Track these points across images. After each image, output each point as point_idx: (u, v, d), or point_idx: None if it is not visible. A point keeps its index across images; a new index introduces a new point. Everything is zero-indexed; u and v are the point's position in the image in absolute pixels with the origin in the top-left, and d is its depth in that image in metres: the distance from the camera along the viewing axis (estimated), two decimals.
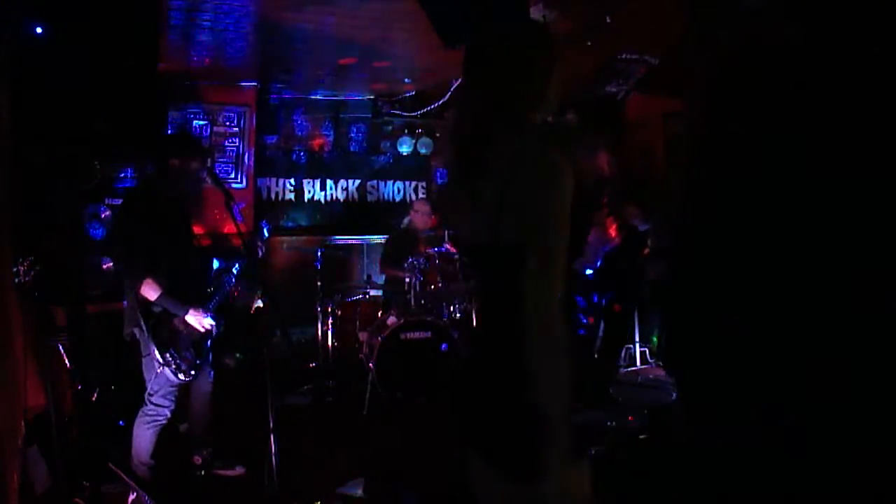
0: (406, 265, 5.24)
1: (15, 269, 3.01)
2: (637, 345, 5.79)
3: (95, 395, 4.16)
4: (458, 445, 1.46)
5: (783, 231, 0.80)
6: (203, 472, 3.66)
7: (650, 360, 5.79)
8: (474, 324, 5.43)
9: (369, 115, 6.97)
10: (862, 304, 0.74)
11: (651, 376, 5.39)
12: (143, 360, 3.35)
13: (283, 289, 6.34)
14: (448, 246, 5.48)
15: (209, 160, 5.85)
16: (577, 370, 1.55)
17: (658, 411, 4.28)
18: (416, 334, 4.98)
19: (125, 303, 3.42)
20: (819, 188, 0.77)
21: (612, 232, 4.93)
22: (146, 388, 3.36)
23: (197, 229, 4.09)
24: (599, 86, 5.65)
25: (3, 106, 2.89)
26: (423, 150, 7.14)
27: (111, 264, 4.67)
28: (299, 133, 6.87)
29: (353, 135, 7.09)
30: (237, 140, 6.31)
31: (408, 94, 6.72)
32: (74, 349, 3.81)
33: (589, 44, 4.74)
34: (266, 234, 3.91)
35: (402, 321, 4.98)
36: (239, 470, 3.69)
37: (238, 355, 5.38)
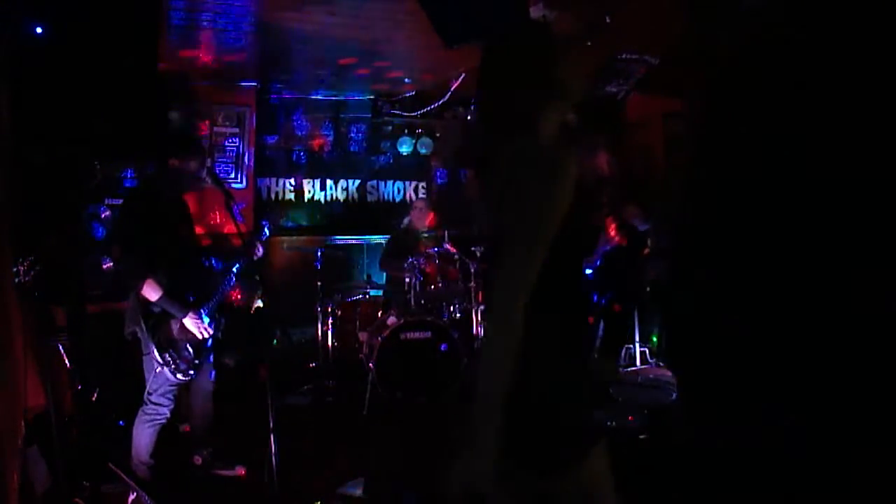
0: (406, 265, 5.24)
1: (15, 269, 3.00)
2: (637, 345, 5.79)
3: (95, 395, 4.16)
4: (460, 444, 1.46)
5: (783, 231, 0.80)
6: (203, 472, 3.66)
7: (650, 360, 5.79)
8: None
9: (369, 115, 6.97)
10: (862, 304, 0.74)
11: (651, 376, 5.39)
12: (144, 359, 3.35)
13: (283, 289, 6.33)
14: (448, 246, 5.48)
15: (209, 160, 5.86)
16: (583, 367, 1.55)
17: (658, 411, 4.28)
18: (416, 334, 4.97)
19: (129, 302, 3.43)
20: (820, 188, 0.77)
21: (612, 232, 4.93)
22: (146, 388, 3.37)
23: (197, 229, 4.09)
24: (599, 86, 5.65)
25: (3, 106, 2.89)
26: (423, 150, 7.14)
27: (111, 264, 4.66)
28: (299, 133, 6.87)
29: (353, 135, 7.09)
30: (237, 140, 6.31)
31: (408, 94, 6.72)
32: (74, 349, 3.81)
33: (589, 44, 4.74)
34: (267, 234, 3.91)
35: (402, 321, 4.98)
36: (239, 470, 3.68)
37: (238, 352, 5.38)
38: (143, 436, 3.34)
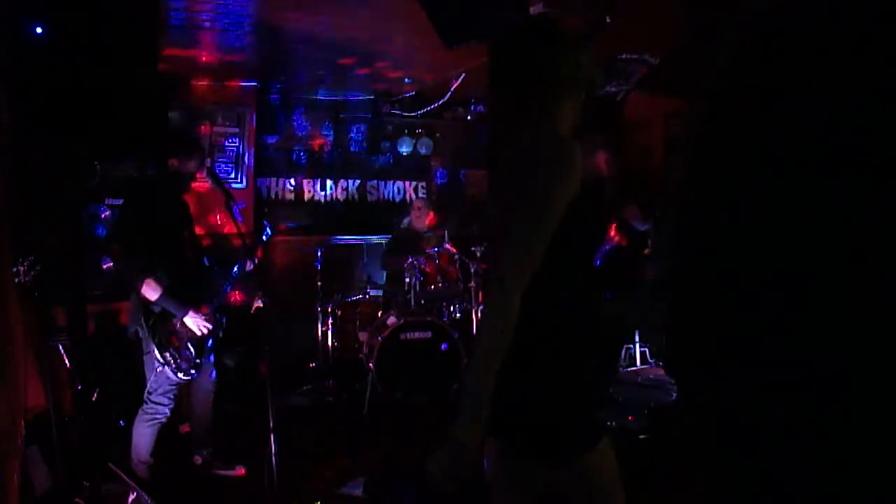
0: (406, 265, 5.25)
1: (15, 269, 3.00)
2: (637, 345, 5.79)
3: (95, 395, 4.16)
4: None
5: (784, 231, 0.80)
6: (203, 472, 3.66)
7: (650, 360, 5.79)
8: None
9: (369, 115, 6.96)
10: (863, 305, 0.74)
11: (651, 376, 5.39)
12: (144, 358, 3.35)
13: (283, 289, 6.34)
14: (448, 246, 5.48)
15: (209, 160, 5.85)
16: (590, 365, 1.56)
17: (658, 411, 4.28)
18: (416, 334, 4.98)
19: (130, 301, 3.43)
20: (821, 188, 0.77)
21: (612, 232, 4.93)
22: (146, 387, 3.37)
23: (197, 229, 4.09)
24: (600, 86, 5.65)
25: (3, 106, 2.89)
26: (423, 150, 7.14)
27: (111, 264, 4.66)
28: (299, 133, 6.86)
29: (353, 135, 7.09)
30: (237, 140, 6.30)
31: (408, 94, 6.72)
32: (74, 349, 3.81)
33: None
34: (268, 234, 3.92)
35: (402, 321, 4.98)
36: (239, 470, 3.69)
37: (239, 352, 5.38)
38: (143, 435, 3.34)
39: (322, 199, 6.98)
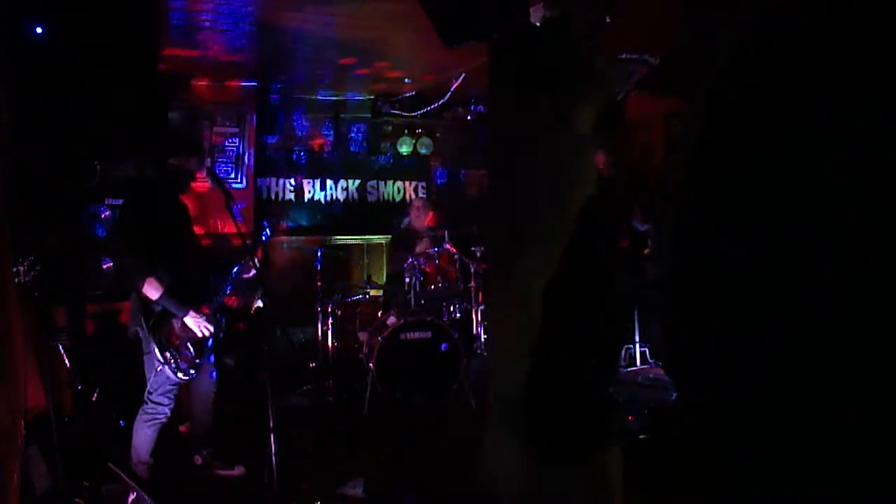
0: (406, 265, 5.25)
1: (15, 269, 3.00)
2: (637, 345, 5.78)
3: (95, 395, 4.16)
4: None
5: (784, 231, 0.80)
6: (203, 472, 3.66)
7: (650, 360, 5.79)
8: None
9: (369, 115, 6.96)
10: (862, 304, 0.74)
11: (651, 376, 5.39)
12: (145, 357, 3.35)
13: (283, 289, 6.34)
14: (448, 246, 5.48)
15: (209, 160, 5.86)
16: (598, 364, 1.56)
17: (658, 411, 4.28)
18: (416, 334, 4.97)
19: (130, 302, 3.43)
20: (821, 188, 0.76)
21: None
22: (146, 387, 3.37)
23: (197, 229, 4.09)
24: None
25: (3, 106, 2.89)
26: (423, 150, 7.13)
27: (111, 264, 4.66)
28: (299, 133, 6.86)
29: (353, 135, 7.09)
30: (237, 140, 6.30)
31: (408, 94, 6.71)
32: (74, 349, 3.81)
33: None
34: (268, 235, 3.91)
35: (402, 321, 4.98)
36: (239, 470, 3.68)
37: (239, 352, 5.39)
38: (143, 435, 3.34)
39: (322, 199, 6.98)
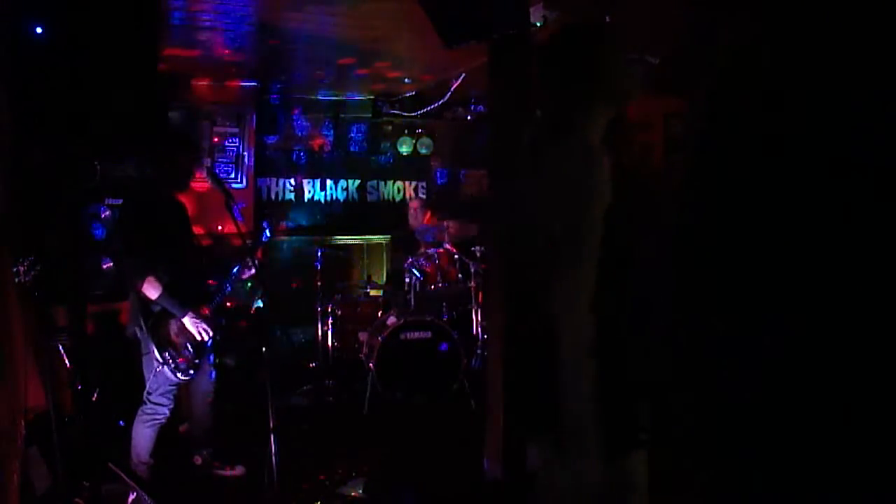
0: (406, 265, 5.25)
1: (15, 269, 3.00)
2: None
3: (95, 395, 4.16)
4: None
5: (784, 231, 0.80)
6: (203, 472, 3.66)
7: None
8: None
9: (369, 115, 6.97)
10: (862, 304, 0.74)
11: None
12: (143, 358, 3.35)
13: (283, 289, 6.34)
14: (448, 246, 5.48)
15: (209, 160, 5.86)
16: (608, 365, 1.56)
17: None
18: (416, 334, 4.97)
19: (129, 302, 3.43)
20: (821, 188, 0.77)
21: None
22: (146, 388, 3.37)
23: (197, 229, 4.09)
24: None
25: (3, 106, 2.89)
26: (423, 150, 7.14)
27: (111, 264, 4.66)
28: (299, 133, 6.86)
29: (353, 135, 7.09)
30: (237, 140, 6.30)
31: (408, 94, 6.71)
32: (74, 349, 3.80)
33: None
34: (268, 234, 3.91)
35: (402, 321, 4.98)
36: (239, 470, 3.68)
37: (238, 352, 5.39)
38: (143, 436, 3.34)
39: (322, 199, 6.98)
